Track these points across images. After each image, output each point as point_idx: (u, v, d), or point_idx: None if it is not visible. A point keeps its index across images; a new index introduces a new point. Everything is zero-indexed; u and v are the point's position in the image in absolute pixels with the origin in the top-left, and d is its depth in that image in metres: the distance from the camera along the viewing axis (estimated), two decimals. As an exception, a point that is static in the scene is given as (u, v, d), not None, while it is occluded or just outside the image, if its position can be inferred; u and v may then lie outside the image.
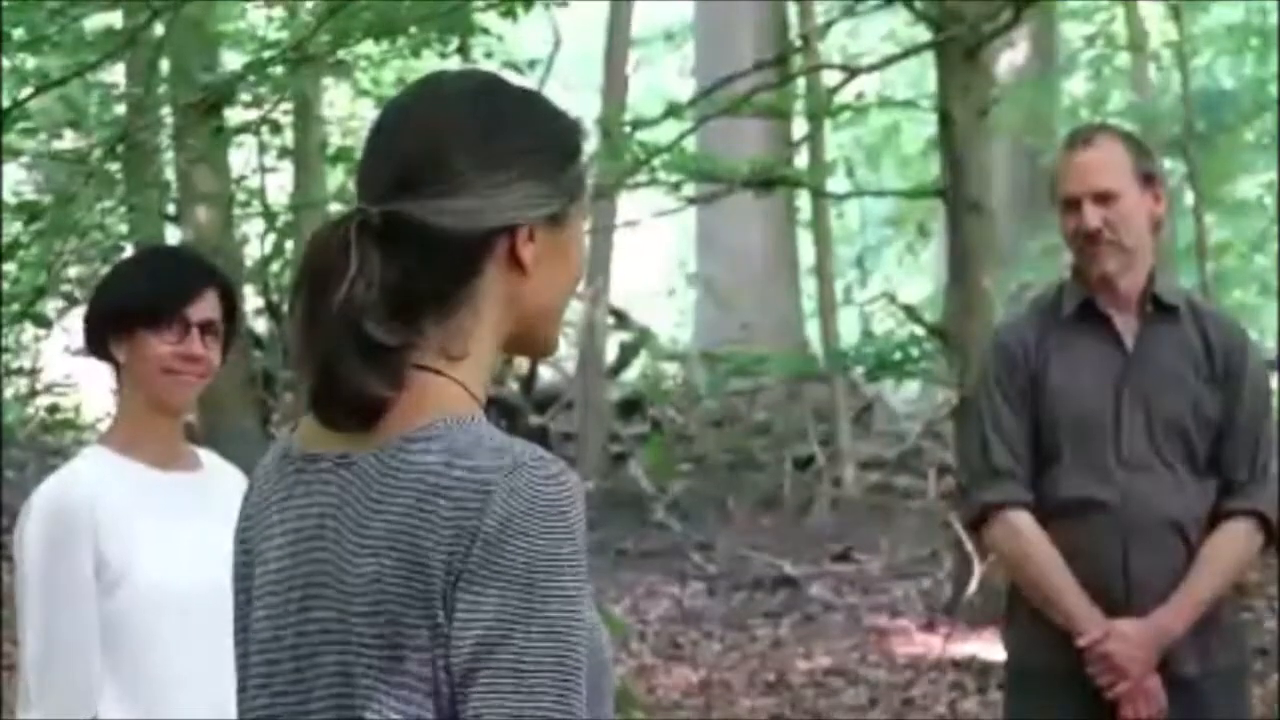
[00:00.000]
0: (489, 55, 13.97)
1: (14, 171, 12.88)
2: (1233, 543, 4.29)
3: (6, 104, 9.14)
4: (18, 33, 9.40)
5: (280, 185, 17.57)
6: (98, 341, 3.55)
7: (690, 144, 12.98)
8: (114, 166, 10.97)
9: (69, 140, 12.53)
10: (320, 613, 2.03)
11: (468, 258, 2.05)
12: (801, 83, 14.69)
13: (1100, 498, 4.31)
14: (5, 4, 8.64)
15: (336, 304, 1.98)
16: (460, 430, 2.01)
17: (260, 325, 15.99)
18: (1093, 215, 4.28)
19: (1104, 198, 4.27)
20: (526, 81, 18.71)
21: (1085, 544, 4.31)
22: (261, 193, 16.51)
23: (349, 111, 20.32)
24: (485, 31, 12.15)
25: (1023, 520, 4.38)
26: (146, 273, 3.66)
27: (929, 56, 11.24)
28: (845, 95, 13.15)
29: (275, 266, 15.53)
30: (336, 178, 18.20)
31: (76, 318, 14.44)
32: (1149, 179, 4.30)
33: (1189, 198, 19.01)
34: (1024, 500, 4.39)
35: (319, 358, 2.00)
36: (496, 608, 1.93)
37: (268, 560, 2.10)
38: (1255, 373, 4.39)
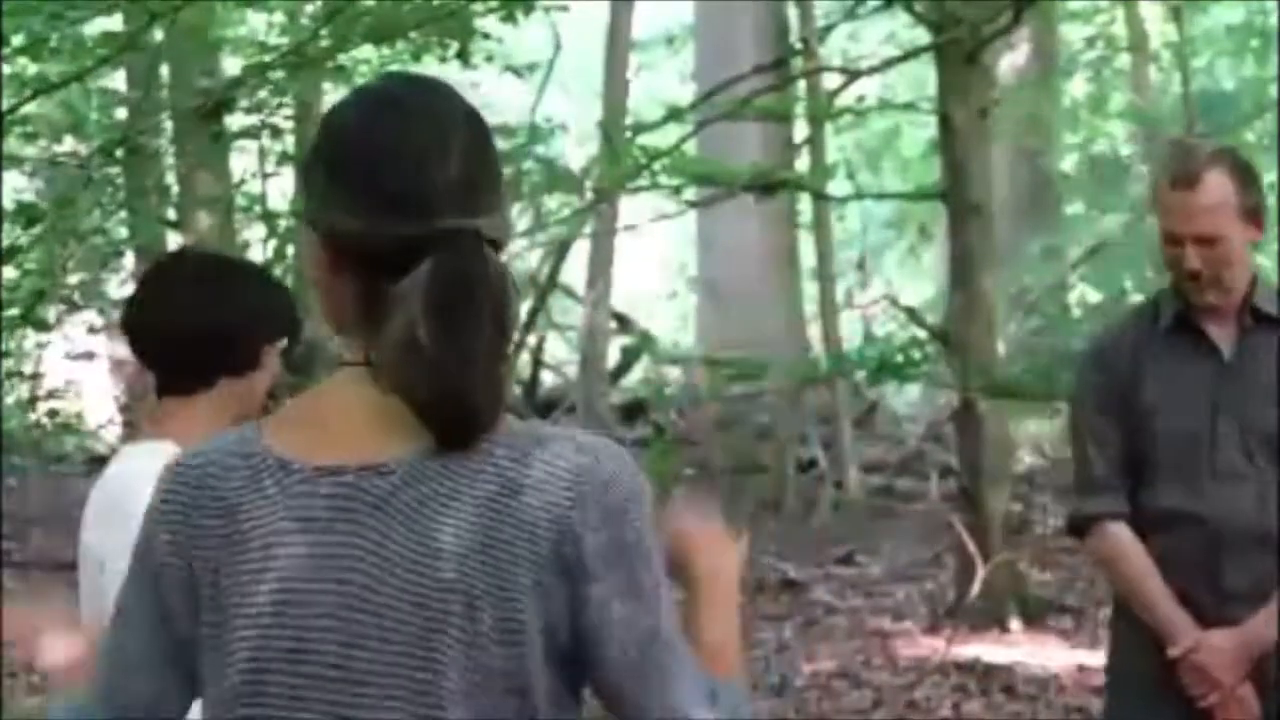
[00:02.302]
0: (489, 59, 13.95)
1: (14, 177, 12.88)
2: None
3: (6, 108, 9.13)
4: (17, 37, 9.40)
5: (281, 190, 17.56)
6: (243, 347, 3.49)
7: (691, 148, 12.97)
8: (114, 171, 10.98)
9: (69, 145, 12.55)
10: (388, 619, 2.02)
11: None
12: (802, 86, 14.69)
13: (1192, 510, 4.27)
14: (4, 8, 8.63)
15: (502, 320, 2.06)
16: (516, 427, 2.08)
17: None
18: (1194, 258, 4.20)
19: (1209, 241, 4.19)
20: (527, 86, 18.65)
21: (1177, 556, 4.28)
22: (262, 198, 16.49)
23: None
24: (485, 36, 12.15)
25: (1120, 532, 4.36)
26: (277, 286, 3.68)
27: (929, 59, 11.23)
28: (846, 98, 13.14)
29: (276, 272, 15.52)
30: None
31: (77, 323, 14.46)
32: (1253, 213, 4.21)
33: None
34: (1121, 512, 4.37)
35: (486, 376, 2.05)
36: (627, 595, 2.04)
37: (273, 571, 2.06)
38: None
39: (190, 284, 3.51)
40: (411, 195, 2.07)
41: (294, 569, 2.05)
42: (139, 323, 3.52)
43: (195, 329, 3.43)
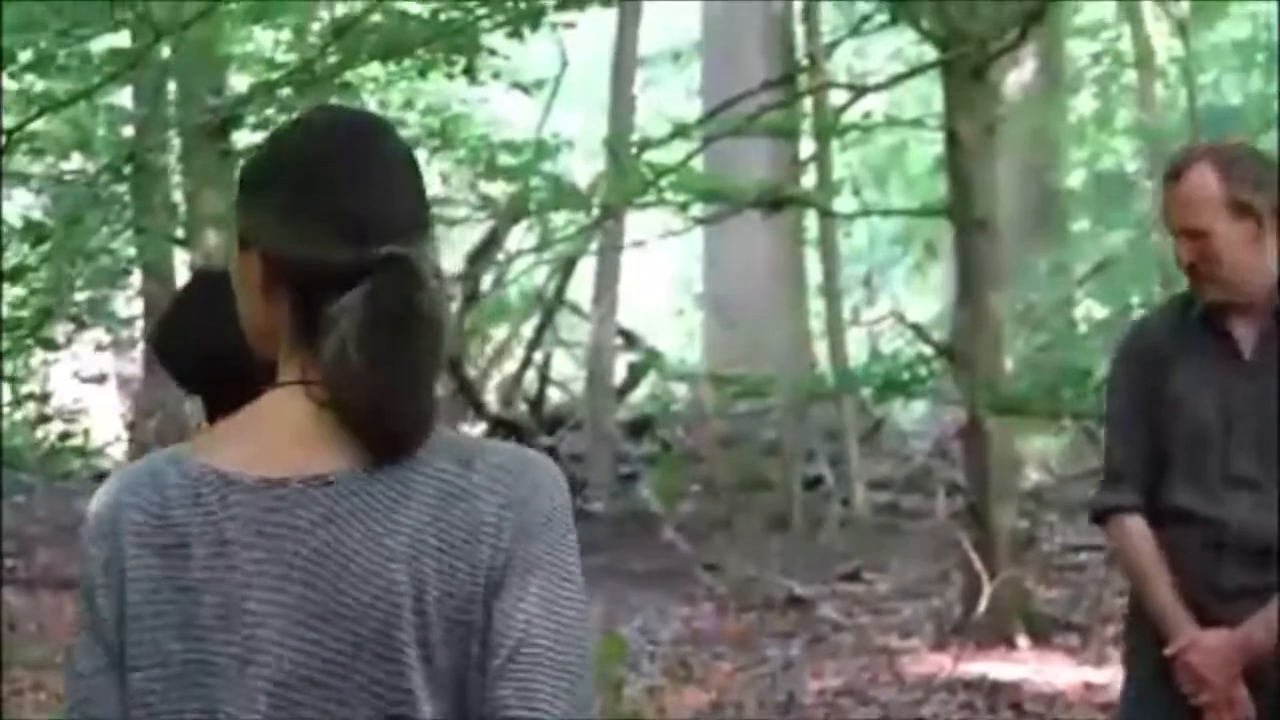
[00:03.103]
0: (496, 76, 13.97)
1: (21, 194, 12.88)
2: None
3: (13, 126, 9.14)
4: (24, 54, 9.41)
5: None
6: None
7: (697, 164, 12.99)
8: (121, 189, 10.97)
9: (76, 162, 12.54)
10: (345, 628, 2.06)
11: None
12: (808, 102, 14.71)
13: (1199, 511, 4.29)
14: (11, 25, 8.65)
15: (436, 341, 2.14)
16: (447, 439, 2.15)
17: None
18: (1185, 251, 4.25)
19: (1194, 234, 4.23)
20: (534, 102, 18.65)
21: (1183, 555, 4.30)
22: (269, 215, 16.50)
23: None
24: (492, 52, 12.15)
25: (1133, 525, 4.39)
26: None
27: (936, 75, 11.24)
28: (852, 114, 13.16)
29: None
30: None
31: (85, 342, 14.46)
32: (1243, 207, 4.21)
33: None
34: (1136, 505, 4.39)
35: (419, 392, 2.12)
36: (537, 599, 2.09)
37: (217, 583, 2.08)
38: None
39: (212, 304, 3.50)
40: (355, 222, 2.15)
41: (240, 580, 2.08)
42: (180, 344, 3.56)
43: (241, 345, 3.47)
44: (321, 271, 2.13)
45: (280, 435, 2.14)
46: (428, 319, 2.13)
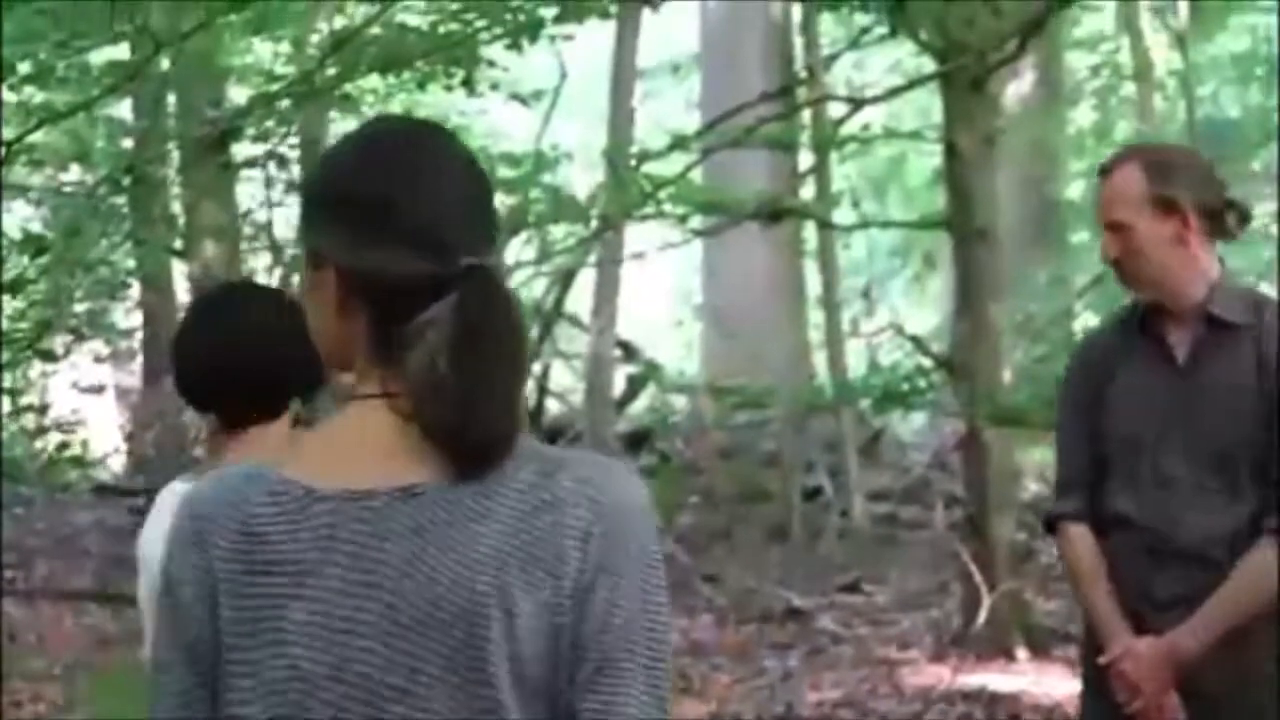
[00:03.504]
0: (494, 87, 14.00)
1: (21, 206, 12.89)
2: (1257, 562, 4.19)
3: (12, 137, 9.14)
4: (23, 66, 9.42)
5: (287, 219, 17.58)
6: (318, 372, 3.56)
7: (696, 176, 12.99)
8: (120, 201, 10.99)
9: (75, 174, 12.56)
10: (433, 639, 2.07)
11: None
12: (807, 114, 14.71)
13: (1132, 516, 4.33)
14: (11, 37, 8.65)
15: (522, 352, 2.17)
16: (530, 448, 2.16)
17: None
18: (1109, 245, 4.33)
19: (1117, 228, 4.30)
20: (532, 114, 18.66)
21: (1121, 562, 4.36)
22: (268, 227, 16.52)
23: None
24: (491, 64, 12.18)
25: (1077, 533, 4.45)
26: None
27: (935, 87, 11.25)
28: (851, 126, 13.17)
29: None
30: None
31: (84, 353, 14.46)
32: (1168, 204, 4.26)
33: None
34: (1079, 512, 4.45)
35: (508, 403, 2.13)
36: (625, 607, 2.10)
37: (306, 596, 2.09)
38: None
39: (271, 314, 3.56)
40: (434, 234, 2.15)
41: (329, 592, 2.08)
42: (191, 362, 3.55)
43: (278, 359, 3.49)
44: (400, 286, 2.13)
45: (364, 448, 2.14)
46: (515, 330, 2.15)
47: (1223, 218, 4.34)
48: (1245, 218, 4.41)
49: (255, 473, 2.17)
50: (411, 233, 2.14)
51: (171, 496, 3.55)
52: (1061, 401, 4.57)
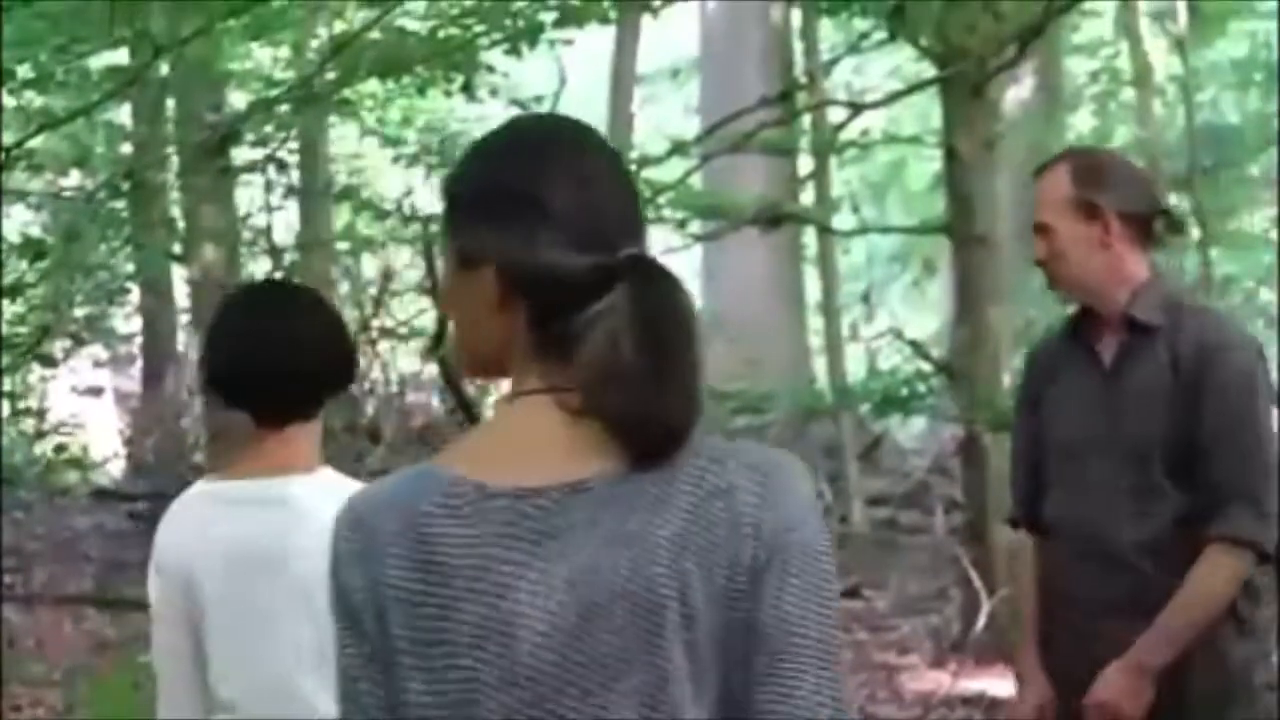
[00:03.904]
0: (494, 93, 13.98)
1: (20, 211, 12.89)
2: (1204, 572, 4.18)
3: (12, 142, 9.14)
4: (23, 70, 9.42)
5: (286, 223, 17.59)
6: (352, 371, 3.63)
7: (696, 181, 12.98)
8: (120, 205, 10.99)
9: (75, 179, 12.56)
10: (610, 634, 2.05)
11: None
12: (807, 119, 14.71)
13: (1064, 520, 4.41)
14: (10, 41, 8.65)
15: (697, 339, 2.15)
16: (699, 440, 2.14)
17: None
18: (1037, 246, 4.40)
19: (1042, 229, 4.38)
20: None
21: (1050, 567, 4.47)
22: (268, 231, 16.53)
23: (354, 150, 20.35)
24: (490, 69, 12.17)
25: (1021, 541, 4.63)
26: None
27: (935, 92, 11.24)
28: (851, 131, 13.16)
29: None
30: (342, 216, 18.23)
31: (82, 357, 14.46)
32: (1090, 209, 4.31)
33: (1194, 232, 18.97)
34: (1020, 518, 4.62)
35: (694, 389, 2.13)
36: (798, 598, 2.09)
37: (482, 595, 2.07)
38: (1224, 388, 4.21)
39: (317, 314, 3.60)
40: (594, 226, 2.15)
41: (504, 590, 2.07)
42: (223, 360, 3.54)
43: (324, 359, 3.53)
44: (566, 280, 2.12)
45: (532, 444, 2.13)
46: (690, 316, 2.15)
47: (1150, 225, 4.38)
48: (1177, 227, 4.47)
49: (425, 472, 2.15)
50: (572, 225, 2.13)
51: (196, 498, 3.53)
52: (1015, 410, 4.69)
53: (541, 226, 2.13)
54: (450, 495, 2.11)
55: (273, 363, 3.48)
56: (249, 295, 3.78)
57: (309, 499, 3.39)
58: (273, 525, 3.43)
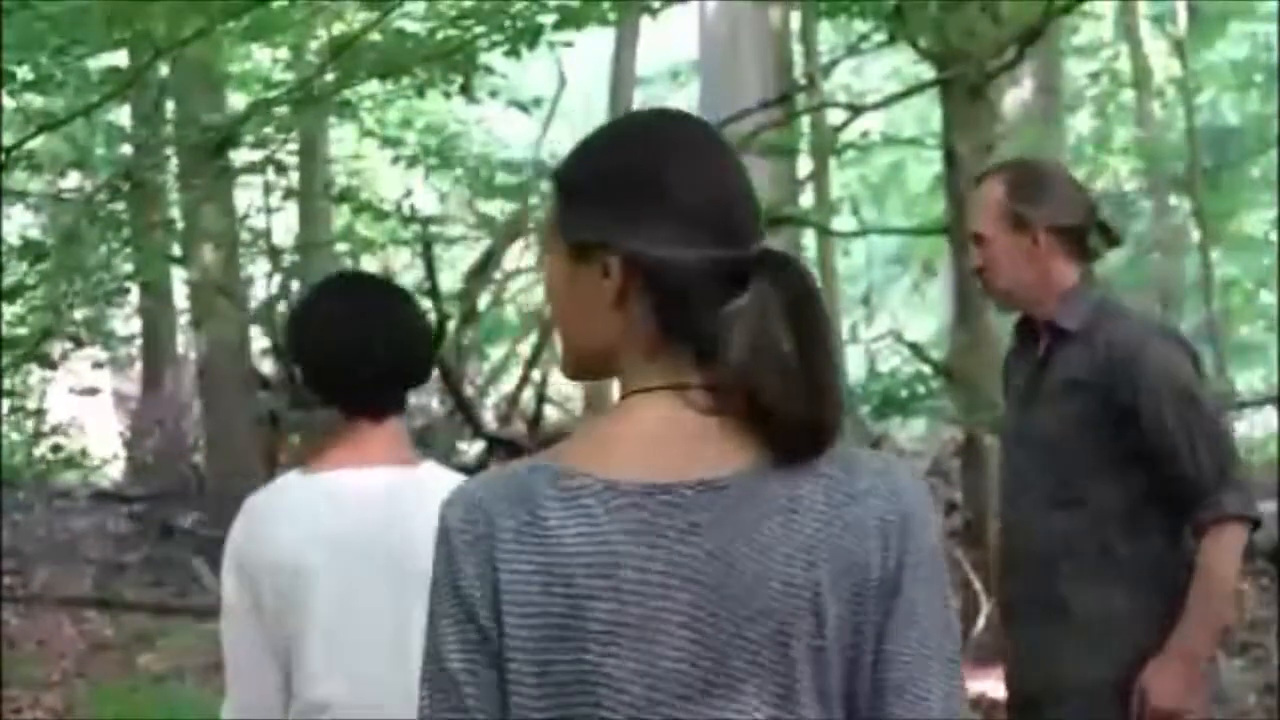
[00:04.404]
0: (494, 94, 13.98)
1: (20, 213, 12.89)
2: (1213, 556, 4.21)
3: (11, 144, 9.14)
4: (22, 72, 9.41)
5: (286, 225, 17.60)
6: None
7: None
8: (119, 207, 10.98)
9: (74, 180, 12.55)
10: (739, 635, 2.02)
11: None
12: (806, 121, 14.71)
13: (1005, 521, 4.58)
14: (10, 43, 8.65)
15: (833, 335, 2.14)
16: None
17: (266, 366, 15.99)
18: (973, 254, 4.55)
19: (978, 239, 4.51)
20: (532, 121, 18.64)
21: (998, 566, 4.66)
22: (267, 233, 16.53)
23: (354, 151, 20.37)
24: (490, 71, 12.17)
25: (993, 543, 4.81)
26: None
27: (934, 94, 11.24)
28: (850, 133, 13.16)
29: (281, 307, 15.55)
30: (341, 217, 18.24)
31: (81, 358, 14.47)
32: (1020, 221, 4.43)
33: (1195, 234, 19.00)
34: (996, 515, 4.80)
35: (839, 384, 2.09)
36: (928, 608, 2.07)
37: (611, 591, 2.02)
38: (1154, 388, 4.26)
39: (411, 309, 3.59)
40: (724, 218, 2.12)
41: (634, 587, 2.02)
42: (314, 350, 3.51)
43: (422, 351, 3.53)
44: (698, 274, 2.08)
45: (661, 441, 2.08)
46: (827, 313, 2.14)
47: (1082, 237, 4.48)
48: (1113, 239, 4.56)
49: (539, 468, 2.10)
50: (703, 217, 2.10)
51: (291, 491, 3.43)
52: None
53: (671, 217, 2.09)
54: (573, 491, 2.06)
55: (383, 357, 3.45)
56: (344, 290, 3.65)
57: (418, 492, 3.32)
58: (381, 519, 3.36)
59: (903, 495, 2.09)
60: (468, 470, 7.99)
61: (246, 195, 16.46)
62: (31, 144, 9.72)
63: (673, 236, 2.08)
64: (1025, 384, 4.50)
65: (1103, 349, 4.31)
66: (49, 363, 11.61)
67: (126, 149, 13.35)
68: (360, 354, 3.44)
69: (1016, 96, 17.70)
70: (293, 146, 14.20)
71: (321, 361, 3.49)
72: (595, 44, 15.97)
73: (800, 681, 2.01)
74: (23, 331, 10.18)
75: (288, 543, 3.35)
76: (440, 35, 10.63)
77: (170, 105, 13.52)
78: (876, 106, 13.20)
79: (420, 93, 11.90)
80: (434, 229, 16.20)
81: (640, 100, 20.40)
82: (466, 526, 2.09)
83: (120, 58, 11.06)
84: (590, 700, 2.01)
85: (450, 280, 16.65)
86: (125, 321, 17.50)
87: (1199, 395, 4.27)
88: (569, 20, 10.64)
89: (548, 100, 18.16)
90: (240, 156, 12.87)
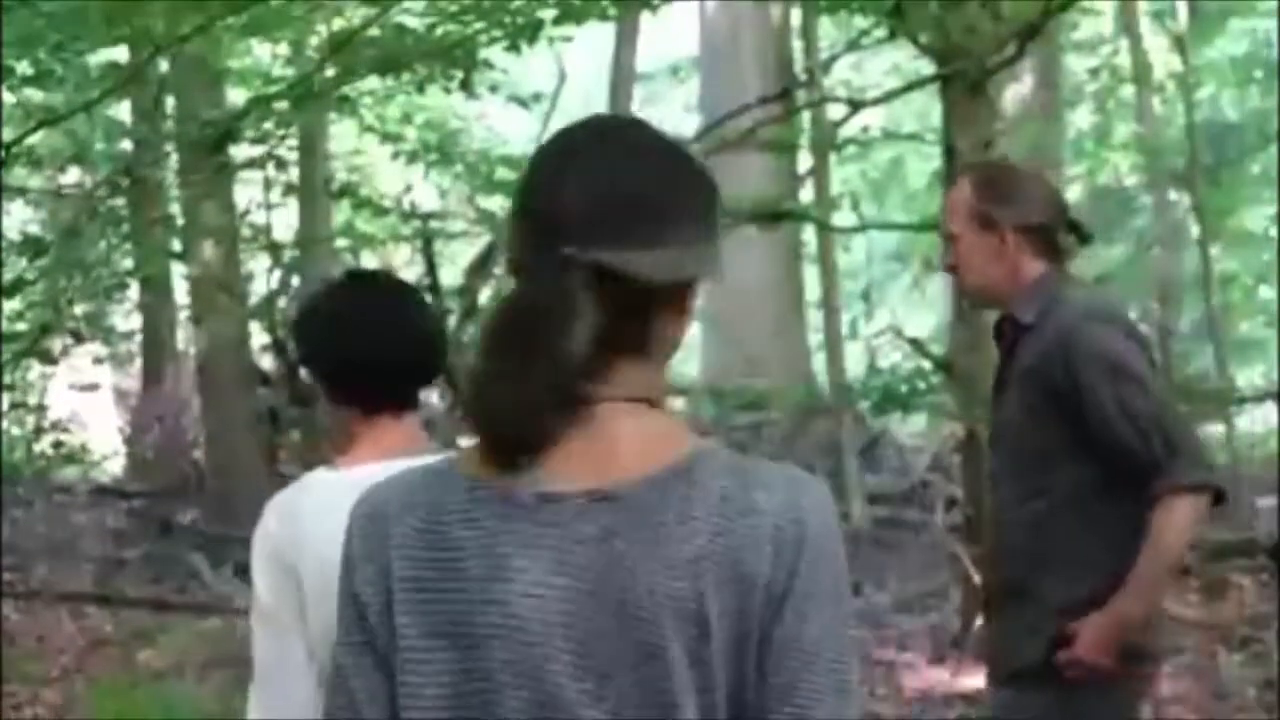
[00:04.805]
0: (493, 90, 13.98)
1: (20, 208, 12.89)
2: (1163, 522, 4.25)
3: (11, 139, 9.14)
4: (22, 67, 9.42)
5: (286, 221, 17.59)
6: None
7: (695, 178, 12.95)
8: (119, 202, 10.99)
9: (74, 176, 12.56)
10: (625, 643, 2.04)
11: (662, 304, 2.16)
12: (806, 117, 14.71)
13: (991, 513, 4.70)
14: (10, 39, 8.65)
15: (554, 354, 2.07)
16: (726, 458, 2.13)
17: (266, 362, 15.99)
18: (947, 252, 4.67)
19: (950, 238, 4.64)
20: (534, 116, 18.66)
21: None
22: (267, 228, 16.52)
23: (354, 147, 20.36)
24: (490, 66, 12.17)
25: None
26: None
27: (934, 90, 11.24)
28: (850, 129, 13.16)
29: (281, 303, 15.56)
30: (341, 213, 18.24)
31: (81, 354, 14.46)
32: (987, 221, 4.54)
33: (1195, 229, 18.99)
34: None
35: (525, 407, 2.07)
36: (818, 620, 2.08)
37: (497, 596, 2.06)
38: (1086, 370, 4.32)
39: (423, 301, 3.62)
40: (555, 223, 2.12)
41: (521, 591, 2.06)
42: (332, 348, 3.51)
43: (439, 346, 3.54)
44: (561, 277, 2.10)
45: (558, 450, 2.10)
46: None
47: (1051, 236, 4.57)
48: (1083, 238, 4.66)
49: (444, 471, 2.15)
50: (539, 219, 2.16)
51: (323, 487, 3.39)
52: None
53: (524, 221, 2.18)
54: (471, 496, 2.10)
55: (404, 354, 3.47)
56: (358, 288, 3.66)
57: None
58: None
59: (801, 507, 2.10)
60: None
61: (246, 191, 16.47)
62: (31, 139, 9.74)
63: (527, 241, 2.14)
64: (995, 380, 4.63)
65: (1050, 335, 4.40)
66: (49, 358, 11.62)
67: (126, 145, 13.37)
68: (382, 351, 3.47)
69: (1016, 92, 17.69)
70: (293, 142, 14.21)
71: (342, 360, 3.50)
72: (595, 39, 15.96)
73: (681, 690, 2.03)
74: (23, 327, 10.19)
75: (327, 536, 3.35)
76: (440, 30, 10.64)
77: (170, 101, 13.52)
78: (877, 102, 13.17)
79: (420, 88, 11.92)
80: (434, 224, 16.21)
81: (640, 96, 20.41)
82: (367, 529, 2.16)
83: (120, 53, 11.07)
84: (479, 704, 2.06)
85: (451, 276, 16.64)
86: (125, 317, 17.50)
87: (1136, 372, 4.31)
88: (569, 15, 10.65)
89: (548, 96, 18.17)
90: (240, 152, 12.88)
